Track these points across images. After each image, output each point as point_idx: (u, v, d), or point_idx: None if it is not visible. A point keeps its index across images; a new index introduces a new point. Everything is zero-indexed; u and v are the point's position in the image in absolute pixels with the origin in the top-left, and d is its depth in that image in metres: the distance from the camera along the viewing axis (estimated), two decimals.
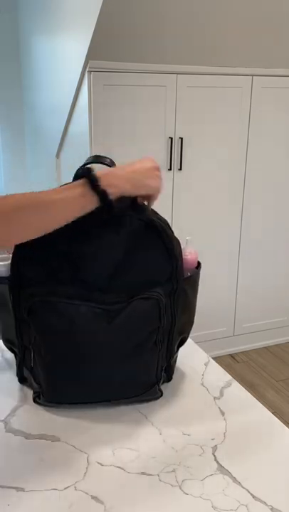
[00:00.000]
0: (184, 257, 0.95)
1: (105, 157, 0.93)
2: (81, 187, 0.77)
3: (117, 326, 0.85)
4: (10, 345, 0.98)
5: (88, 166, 0.81)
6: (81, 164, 0.95)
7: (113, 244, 0.86)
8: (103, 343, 0.86)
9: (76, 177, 0.80)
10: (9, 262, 0.89)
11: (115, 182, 0.80)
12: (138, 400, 0.95)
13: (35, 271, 0.87)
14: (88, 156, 0.99)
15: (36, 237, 0.77)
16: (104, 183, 0.78)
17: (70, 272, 0.86)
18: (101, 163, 0.92)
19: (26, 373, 0.97)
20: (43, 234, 0.77)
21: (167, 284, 0.89)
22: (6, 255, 0.93)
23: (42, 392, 0.92)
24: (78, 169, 0.81)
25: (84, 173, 0.79)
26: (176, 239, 0.92)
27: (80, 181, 0.78)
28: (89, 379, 0.89)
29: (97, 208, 0.79)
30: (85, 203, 0.77)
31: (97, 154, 0.95)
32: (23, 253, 0.86)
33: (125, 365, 0.89)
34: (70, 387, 0.91)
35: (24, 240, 0.78)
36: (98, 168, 0.83)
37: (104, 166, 0.88)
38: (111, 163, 0.91)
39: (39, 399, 0.93)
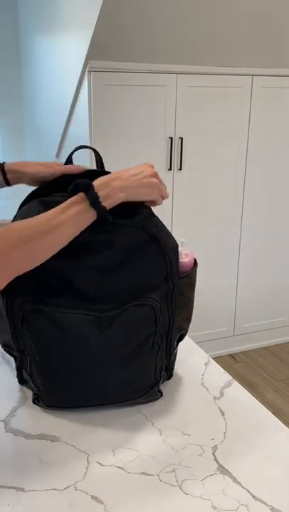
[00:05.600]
0: (181, 259, 0.94)
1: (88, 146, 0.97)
2: (80, 204, 0.78)
3: (111, 333, 0.84)
4: (8, 349, 0.98)
5: (85, 180, 0.80)
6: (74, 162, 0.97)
7: (106, 255, 0.84)
8: (97, 351, 0.85)
9: (75, 188, 0.79)
10: None
11: (110, 193, 0.81)
12: (137, 402, 0.94)
13: (25, 281, 0.84)
14: (88, 155, 1.01)
15: (41, 262, 0.78)
16: (101, 196, 0.79)
17: (62, 283, 0.84)
18: (86, 147, 0.97)
19: (26, 375, 0.97)
20: (48, 258, 0.78)
21: (163, 285, 0.88)
22: None
23: (40, 396, 0.92)
24: (76, 183, 0.80)
25: (84, 188, 0.79)
26: (173, 239, 0.91)
27: (79, 198, 0.78)
28: (85, 386, 0.88)
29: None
30: (85, 220, 0.79)
31: (82, 145, 0.99)
32: None
33: (121, 371, 0.88)
34: (67, 394, 0.90)
35: (31, 268, 0.78)
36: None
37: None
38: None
39: (38, 401, 0.93)
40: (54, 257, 0.82)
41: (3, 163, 0.99)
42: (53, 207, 0.82)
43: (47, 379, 0.89)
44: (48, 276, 0.85)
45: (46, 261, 0.80)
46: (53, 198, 0.90)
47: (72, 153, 1.00)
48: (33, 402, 0.94)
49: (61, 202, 0.84)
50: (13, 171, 0.99)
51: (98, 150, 1.04)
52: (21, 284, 0.85)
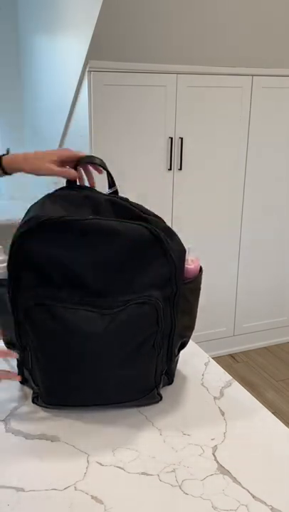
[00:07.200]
0: (187, 266, 0.95)
1: (95, 157, 1.00)
2: None
3: (113, 330, 0.84)
4: (11, 346, 0.98)
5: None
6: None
7: (110, 252, 0.85)
8: (98, 348, 0.85)
9: None
10: (5, 264, 0.89)
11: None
12: (137, 404, 0.94)
13: (30, 275, 0.86)
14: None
15: None
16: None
17: (66, 278, 0.85)
18: (91, 163, 1.00)
19: (26, 374, 0.97)
20: None
21: (166, 287, 0.89)
22: (2, 257, 0.93)
23: (39, 394, 0.92)
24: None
25: None
26: (180, 244, 0.92)
27: None
28: (85, 383, 0.89)
29: None
30: None
31: (89, 155, 1.01)
32: (18, 259, 0.86)
33: (122, 370, 0.88)
34: (66, 391, 0.91)
35: None
36: None
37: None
38: (101, 163, 0.98)
39: (37, 400, 0.93)
40: (58, 255, 0.83)
41: (3, 155, 1.01)
42: (63, 200, 0.90)
43: (47, 375, 0.89)
44: (53, 270, 0.85)
45: (52, 252, 0.83)
46: (59, 192, 0.95)
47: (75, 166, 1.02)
48: (33, 402, 0.94)
49: (67, 195, 0.92)
50: (14, 169, 1.00)
51: (98, 150, 1.05)
52: (26, 278, 0.86)
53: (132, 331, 0.86)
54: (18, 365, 0.98)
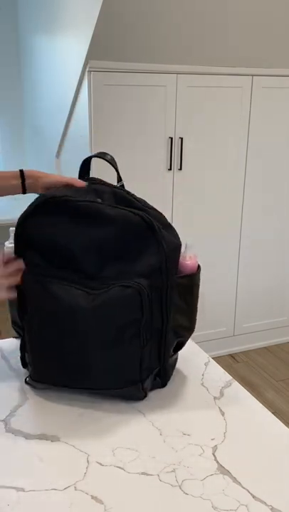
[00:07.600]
0: (184, 261, 0.95)
1: (107, 153, 1.03)
2: None
3: (96, 308, 0.87)
4: (16, 327, 1.03)
5: None
6: (81, 164, 1.01)
7: (101, 237, 0.89)
8: (82, 325, 0.88)
9: None
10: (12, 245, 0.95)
11: None
12: (120, 393, 0.94)
13: (32, 255, 0.92)
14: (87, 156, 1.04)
15: None
16: None
17: (64, 258, 0.90)
18: (102, 158, 1.02)
19: (28, 358, 0.98)
20: None
21: (154, 276, 0.89)
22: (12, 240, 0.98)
23: (30, 373, 0.96)
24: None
25: None
26: (177, 237, 0.93)
27: None
28: (69, 360, 0.91)
29: None
30: None
31: (102, 151, 1.03)
32: (24, 240, 0.91)
33: (104, 352, 0.89)
34: (53, 368, 0.93)
35: None
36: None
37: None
38: (111, 159, 1.01)
39: (29, 379, 0.98)
40: (55, 225, 0.89)
41: (22, 169, 1.03)
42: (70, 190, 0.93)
43: (36, 351, 0.94)
44: (52, 250, 0.90)
45: (49, 232, 0.89)
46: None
47: (90, 158, 1.05)
48: (25, 382, 0.98)
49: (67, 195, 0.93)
50: (32, 177, 1.02)
51: (98, 150, 1.06)
52: (29, 257, 0.92)
53: (113, 311, 0.88)
54: (21, 348, 0.99)
